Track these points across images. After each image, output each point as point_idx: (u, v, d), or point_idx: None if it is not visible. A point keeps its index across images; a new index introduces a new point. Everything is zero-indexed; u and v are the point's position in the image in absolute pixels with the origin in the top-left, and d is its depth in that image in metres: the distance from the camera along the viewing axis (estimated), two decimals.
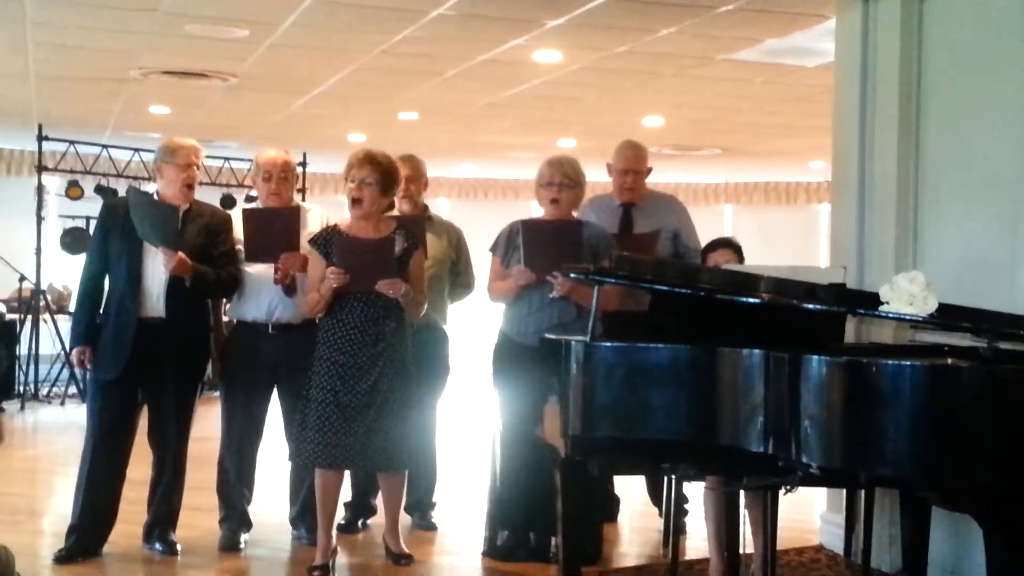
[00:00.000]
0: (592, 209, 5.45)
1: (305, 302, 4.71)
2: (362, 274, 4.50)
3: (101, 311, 4.81)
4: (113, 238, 4.76)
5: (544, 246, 4.65)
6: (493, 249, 4.96)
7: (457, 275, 5.36)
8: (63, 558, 4.69)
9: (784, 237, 13.32)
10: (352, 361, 4.56)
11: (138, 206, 4.73)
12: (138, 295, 4.68)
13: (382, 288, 4.51)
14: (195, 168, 4.83)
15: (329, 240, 4.62)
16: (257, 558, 4.91)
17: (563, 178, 4.78)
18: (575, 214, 4.94)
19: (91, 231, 5.00)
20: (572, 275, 4.30)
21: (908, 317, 3.46)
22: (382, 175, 4.60)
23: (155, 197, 4.87)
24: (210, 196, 8.54)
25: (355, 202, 4.61)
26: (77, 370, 5.54)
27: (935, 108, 4.69)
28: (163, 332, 4.68)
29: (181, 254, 4.62)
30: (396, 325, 4.64)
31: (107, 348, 4.72)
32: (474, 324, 5.44)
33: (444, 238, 5.28)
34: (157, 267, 4.68)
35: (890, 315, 3.49)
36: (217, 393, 5.13)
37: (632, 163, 5.40)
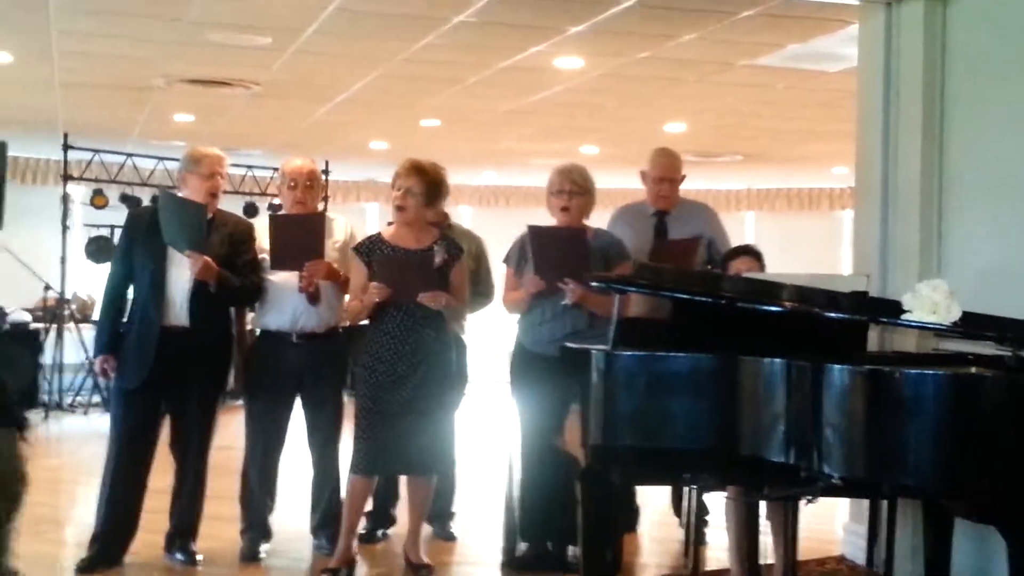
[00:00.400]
0: (623, 218, 5.47)
1: (348, 309, 4.80)
2: (403, 287, 4.56)
3: (125, 320, 4.83)
4: (137, 247, 4.78)
5: (553, 252, 4.69)
6: (506, 261, 5.01)
7: (477, 284, 5.36)
8: (85, 568, 4.70)
9: (807, 244, 13.23)
10: (393, 370, 4.62)
11: (166, 205, 4.75)
12: (161, 303, 4.69)
13: (424, 300, 4.56)
14: (219, 177, 4.85)
15: (372, 248, 4.68)
16: (277, 568, 4.91)
17: (572, 186, 4.81)
18: (605, 224, 4.95)
19: (116, 240, 5.03)
20: (593, 284, 4.30)
21: (931, 326, 3.43)
22: (427, 185, 4.67)
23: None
24: (233, 204, 8.62)
25: (399, 210, 4.67)
26: (100, 379, 5.54)
27: (959, 113, 4.66)
28: (186, 341, 4.69)
29: (207, 258, 4.63)
30: (436, 334, 4.68)
31: (130, 357, 4.74)
32: (491, 333, 5.44)
33: (464, 247, 5.27)
34: (181, 275, 4.69)
35: (913, 324, 3.46)
36: (240, 402, 5.14)
37: (668, 171, 5.42)
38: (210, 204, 4.82)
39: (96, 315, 5.00)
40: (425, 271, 4.62)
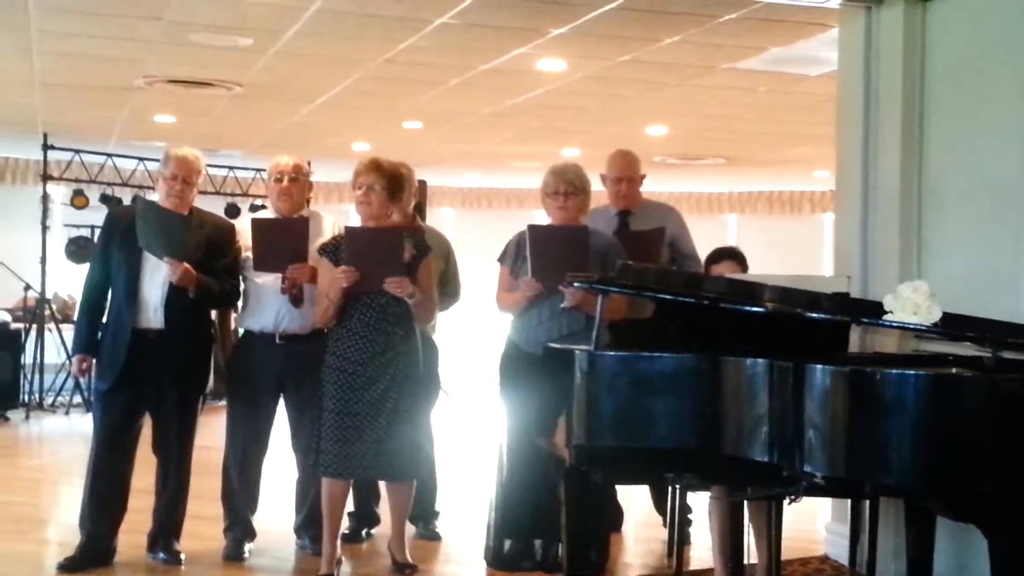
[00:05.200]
0: (592, 220, 5.46)
1: (316, 311, 4.73)
2: (371, 268, 4.50)
3: (104, 320, 4.82)
4: (114, 248, 4.77)
5: (551, 252, 4.64)
6: (502, 259, 4.97)
7: (446, 284, 5.34)
8: (68, 567, 4.69)
9: (788, 247, 13.31)
10: (361, 371, 4.58)
11: (145, 214, 4.73)
12: (134, 305, 4.68)
13: (391, 287, 4.52)
14: (181, 180, 4.75)
15: (338, 247, 4.64)
16: (261, 568, 4.90)
17: (567, 186, 4.80)
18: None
19: (96, 240, 5.02)
20: (576, 284, 4.30)
21: (912, 326, 3.46)
22: (388, 180, 4.66)
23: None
24: (215, 204, 8.59)
25: (362, 205, 4.66)
26: (81, 379, 5.52)
27: (939, 116, 4.69)
28: (161, 342, 4.68)
29: (186, 265, 4.62)
30: (405, 333, 4.65)
31: (105, 357, 4.75)
32: (467, 334, 5.43)
33: (434, 248, 5.27)
34: (156, 278, 4.67)
35: (894, 324, 3.49)
36: (222, 403, 5.13)
37: (623, 170, 5.44)
38: (176, 206, 4.76)
39: (76, 315, 4.99)
40: (394, 252, 4.55)
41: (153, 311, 4.70)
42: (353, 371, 4.58)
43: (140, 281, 4.70)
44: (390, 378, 4.59)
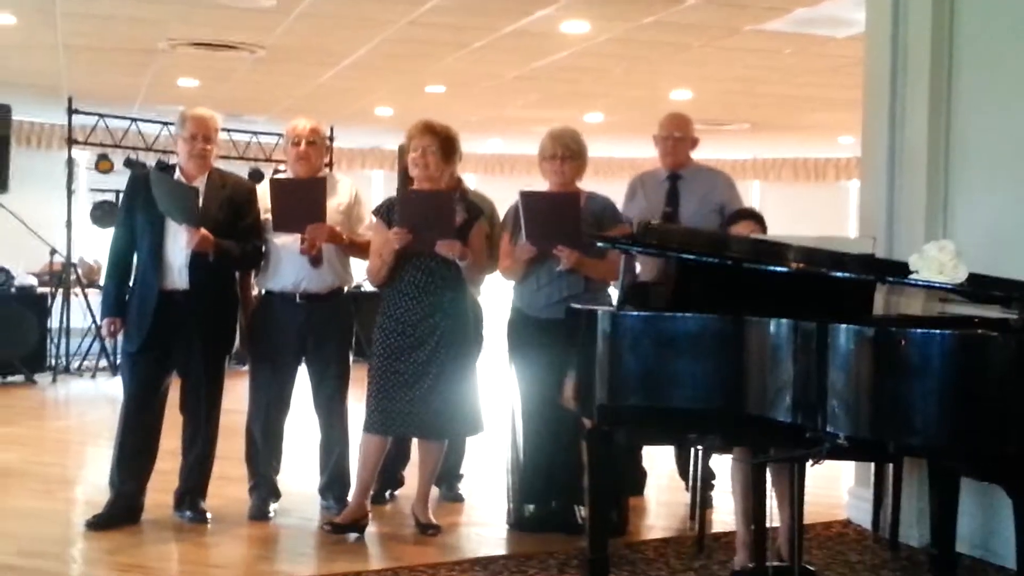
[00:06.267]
0: (640, 185, 5.50)
1: (368, 269, 4.81)
2: (423, 230, 4.56)
3: (130, 283, 4.85)
4: (137, 211, 4.79)
5: (543, 218, 4.70)
6: (502, 227, 5.01)
7: (492, 247, 5.35)
8: (96, 524, 4.73)
9: (812, 214, 13.19)
10: (410, 331, 4.65)
11: (159, 185, 4.73)
12: (160, 267, 4.70)
13: (442, 249, 4.57)
14: (201, 139, 4.78)
15: (391, 208, 4.71)
16: (286, 527, 4.94)
17: (564, 150, 4.82)
18: (623, 191, 4.90)
19: (119, 204, 5.03)
20: (599, 244, 4.31)
21: (938, 285, 3.43)
22: (442, 142, 4.71)
23: (177, 172, 4.86)
24: (238, 170, 8.59)
25: (419, 167, 4.69)
26: (108, 341, 5.56)
27: (967, 77, 4.64)
28: (187, 303, 4.71)
29: (203, 231, 4.63)
30: (454, 296, 4.70)
31: (131, 319, 4.79)
32: (491, 299, 5.44)
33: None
34: (179, 239, 4.69)
35: (919, 283, 3.47)
36: (246, 367, 5.16)
37: (671, 128, 5.44)
38: (199, 166, 4.79)
39: (102, 279, 5.02)
40: (446, 214, 4.61)
41: (178, 272, 4.72)
42: (402, 331, 4.65)
43: (164, 243, 4.71)
44: (437, 340, 4.65)
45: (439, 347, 4.65)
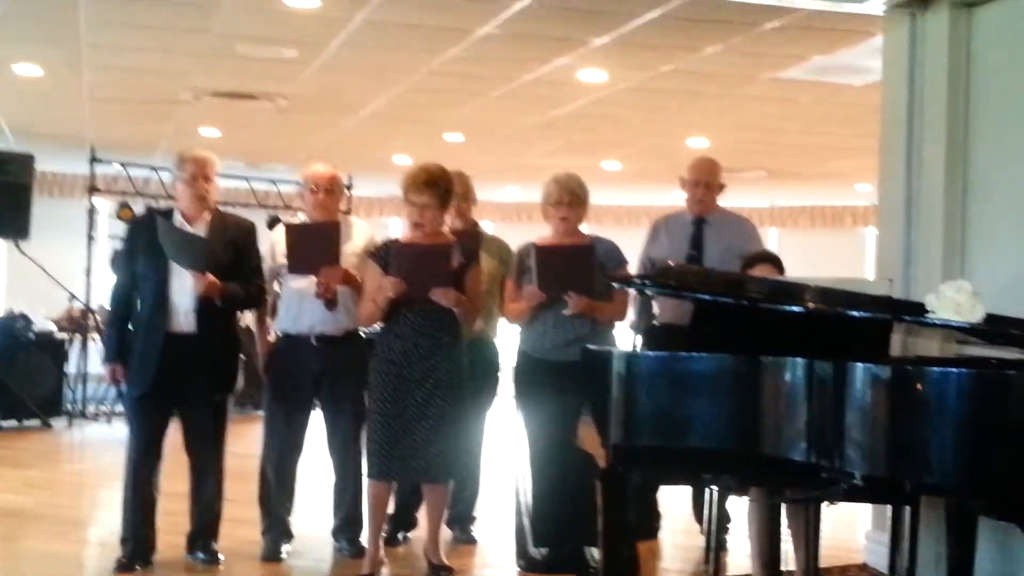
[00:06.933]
0: (664, 226, 5.51)
1: (360, 312, 4.77)
2: (418, 281, 4.53)
3: (131, 327, 4.84)
4: (140, 255, 4.77)
5: (558, 269, 4.71)
6: (507, 272, 5.04)
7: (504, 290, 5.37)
8: (123, 568, 4.70)
9: (830, 261, 13.19)
10: (407, 373, 4.60)
11: (167, 235, 4.69)
12: (167, 311, 4.68)
13: (437, 296, 4.54)
14: (202, 180, 4.76)
15: (388, 252, 4.67)
16: (299, 568, 4.92)
17: (571, 196, 4.85)
18: (649, 229, 4.89)
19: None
20: (615, 285, 4.32)
21: (955, 324, 3.42)
22: (441, 195, 4.66)
23: (177, 216, 4.82)
24: (257, 218, 8.66)
25: (417, 227, 4.66)
26: (112, 386, 5.51)
27: (984, 123, 4.65)
28: (194, 346, 4.69)
29: (211, 277, 4.63)
30: (450, 339, 4.67)
31: (135, 364, 4.75)
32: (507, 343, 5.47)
33: (495, 254, 5.32)
34: (186, 283, 4.67)
35: (936, 322, 3.45)
36: (259, 411, 5.16)
37: (702, 174, 5.45)
38: (199, 207, 4.78)
39: (106, 324, 4.99)
40: (440, 265, 4.58)
41: (184, 315, 4.70)
42: (398, 373, 4.60)
43: (169, 286, 4.69)
44: (435, 382, 4.60)
45: (438, 389, 4.60)
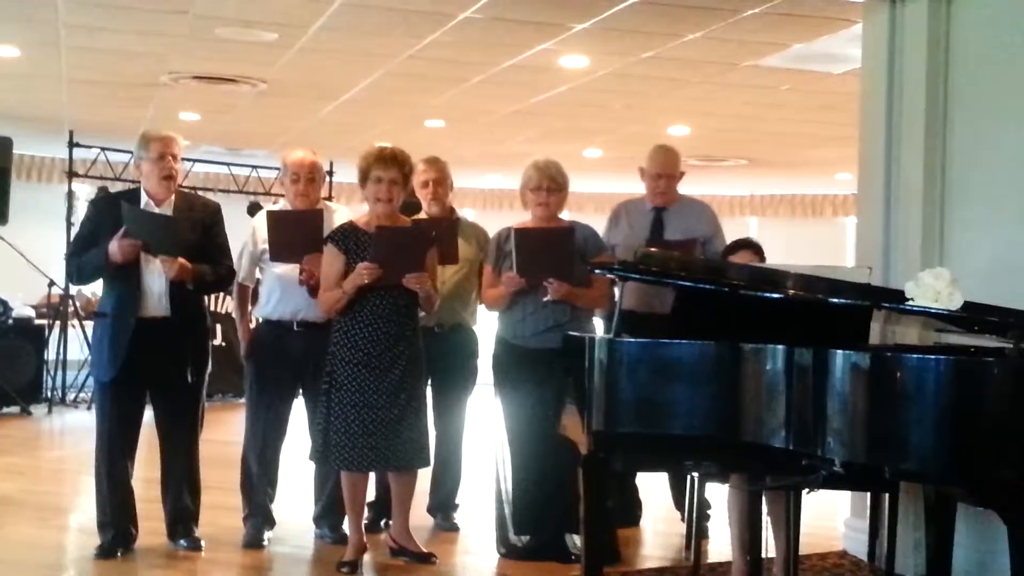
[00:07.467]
0: (623, 212, 5.51)
1: (324, 300, 4.64)
2: (394, 267, 4.49)
3: (98, 311, 4.77)
4: (103, 239, 4.62)
5: (537, 254, 4.71)
6: (485, 258, 5.03)
7: (479, 278, 5.37)
8: (104, 553, 4.69)
9: (810, 250, 13.21)
10: (375, 361, 4.55)
11: (137, 220, 4.59)
12: (138, 296, 4.62)
13: (410, 282, 4.51)
14: (170, 159, 4.69)
15: (347, 236, 4.61)
16: (280, 555, 4.92)
17: (551, 182, 4.85)
18: (605, 219, 4.93)
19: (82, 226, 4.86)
20: (595, 271, 4.33)
21: (933, 311, 3.44)
22: (406, 173, 4.68)
23: (144, 197, 4.74)
24: (237, 203, 8.65)
25: (385, 202, 4.60)
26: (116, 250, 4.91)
27: (962, 109, 4.67)
28: (167, 329, 4.65)
29: (181, 260, 4.57)
30: (412, 324, 4.67)
31: (107, 349, 4.67)
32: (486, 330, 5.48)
33: (472, 241, 5.31)
34: (155, 266, 4.61)
35: (915, 309, 3.47)
36: (241, 399, 5.15)
37: (665, 167, 5.43)
38: (166, 187, 4.71)
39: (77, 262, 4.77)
40: (419, 249, 4.55)
41: (158, 299, 4.65)
42: (367, 362, 4.55)
43: (141, 271, 4.63)
44: (403, 368, 4.58)
45: (406, 376, 4.57)
